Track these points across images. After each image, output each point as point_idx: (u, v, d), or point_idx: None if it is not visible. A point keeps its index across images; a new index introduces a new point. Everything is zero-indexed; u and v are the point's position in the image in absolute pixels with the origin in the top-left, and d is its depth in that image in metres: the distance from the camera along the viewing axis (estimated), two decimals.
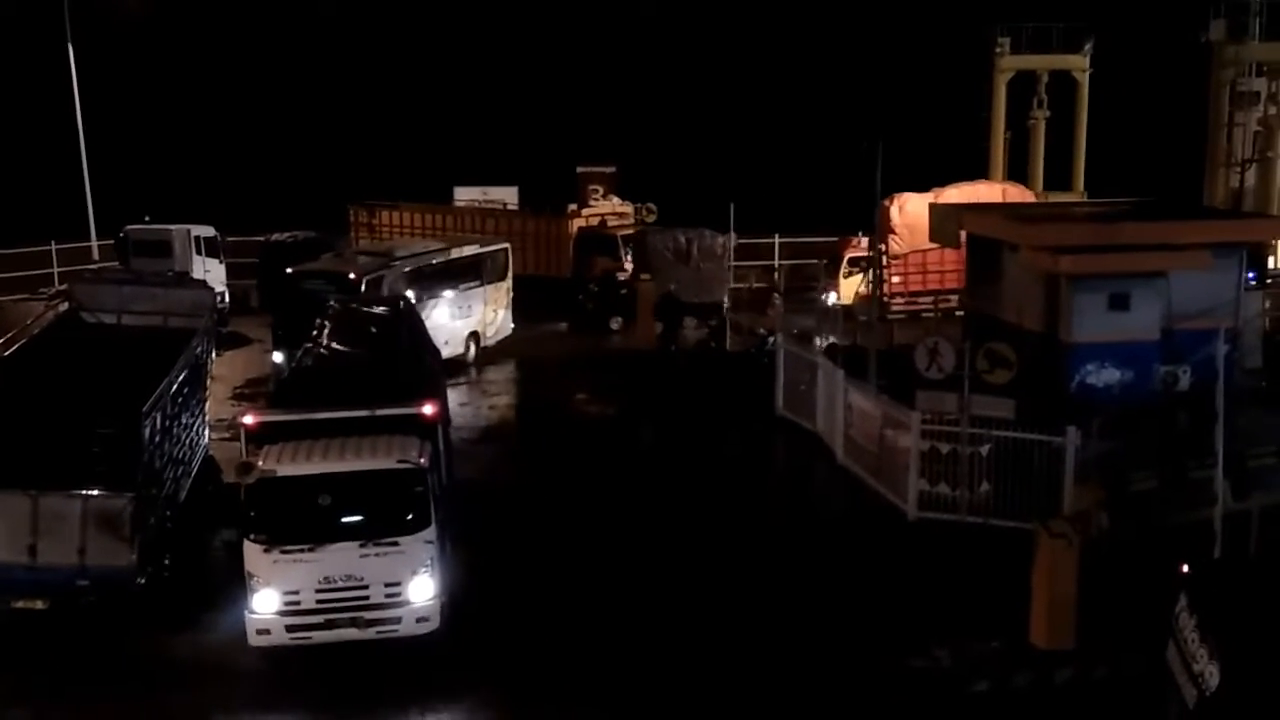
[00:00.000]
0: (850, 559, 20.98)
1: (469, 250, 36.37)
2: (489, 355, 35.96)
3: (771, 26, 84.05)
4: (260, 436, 17.90)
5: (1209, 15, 40.06)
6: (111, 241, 42.38)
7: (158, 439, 19.99)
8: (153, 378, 20.48)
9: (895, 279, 39.35)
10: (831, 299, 39.32)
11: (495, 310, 36.75)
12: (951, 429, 22.01)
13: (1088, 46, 46.49)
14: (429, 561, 17.34)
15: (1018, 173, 47.72)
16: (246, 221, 45.36)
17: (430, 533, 17.35)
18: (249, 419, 18.18)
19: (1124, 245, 25.52)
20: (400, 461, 17.31)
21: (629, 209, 46.05)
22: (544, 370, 35.39)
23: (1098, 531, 19.78)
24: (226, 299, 39.66)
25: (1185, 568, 13.39)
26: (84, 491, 18.34)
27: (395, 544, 17.17)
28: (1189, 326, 24.67)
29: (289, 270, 32.64)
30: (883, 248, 39.53)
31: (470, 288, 35.36)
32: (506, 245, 38.53)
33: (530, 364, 36.11)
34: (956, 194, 39.50)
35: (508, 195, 49.41)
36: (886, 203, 39.48)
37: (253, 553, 17.15)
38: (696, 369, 34.87)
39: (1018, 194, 40.30)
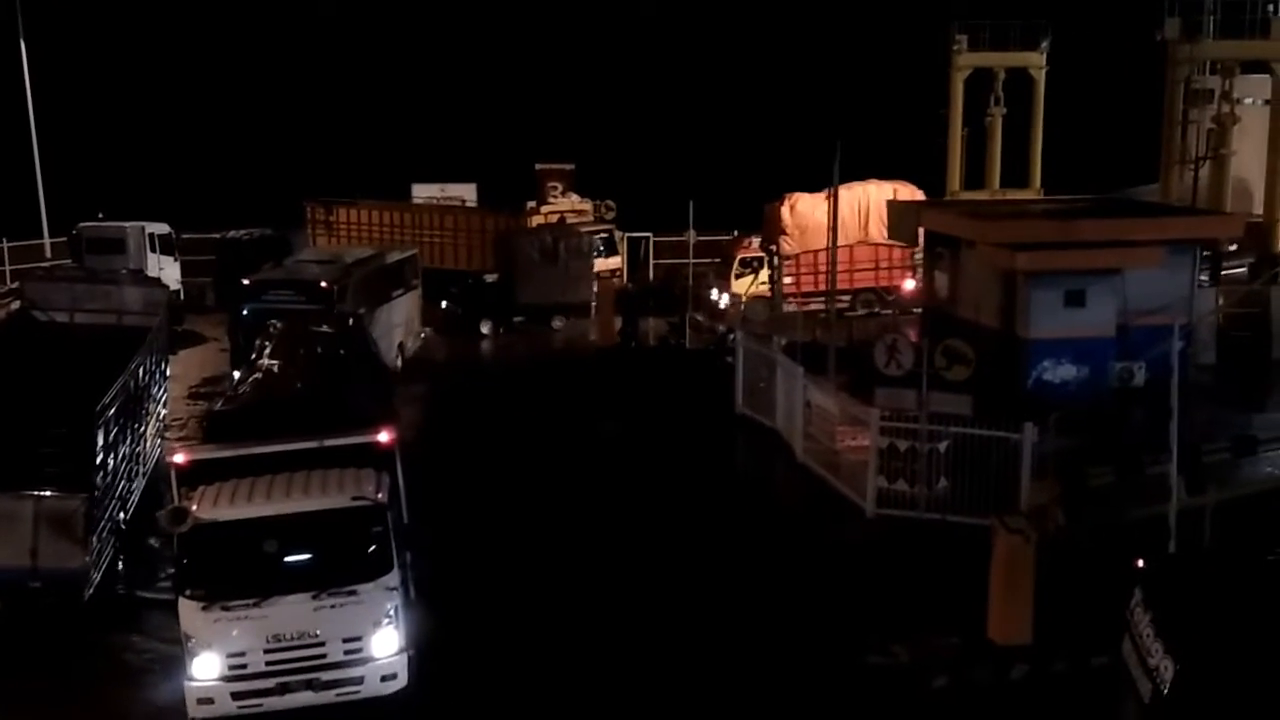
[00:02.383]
0: (809, 556, 20.99)
1: (396, 255, 35.02)
2: (422, 363, 34.89)
3: (731, 23, 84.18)
4: (194, 475, 15.88)
5: (1164, 14, 40.37)
6: (64, 239, 41.97)
7: (112, 439, 19.78)
8: (106, 377, 20.26)
9: (787, 279, 39.80)
10: (724, 300, 39.49)
11: (414, 318, 35.22)
12: (910, 426, 22.08)
13: (1044, 44, 46.82)
14: (392, 611, 15.55)
15: (975, 169, 47.98)
16: (202, 218, 45.00)
17: (393, 578, 15.55)
18: (180, 456, 16.13)
19: (1080, 242, 25.71)
20: (355, 499, 15.48)
21: (588, 206, 46.03)
22: (494, 374, 34.97)
23: (1054, 527, 19.89)
24: (182, 297, 39.35)
25: (1140, 563, 13.45)
26: (36, 492, 18.14)
27: (353, 593, 15.35)
28: (1144, 323, 24.87)
29: (246, 281, 30.08)
30: (773, 248, 39.95)
31: (399, 295, 33.65)
32: (415, 250, 37.82)
33: (477, 367, 35.63)
34: (846, 193, 39.75)
35: (466, 192, 49.29)
36: (778, 203, 39.91)
37: (189, 611, 15.19)
38: (656, 366, 34.82)
39: (908, 193, 40.64)
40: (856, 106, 59.86)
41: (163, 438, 25.04)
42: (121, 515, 20.41)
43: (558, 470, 25.61)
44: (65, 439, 18.53)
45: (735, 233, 43.55)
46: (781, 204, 40.02)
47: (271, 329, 22.30)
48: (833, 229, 30.14)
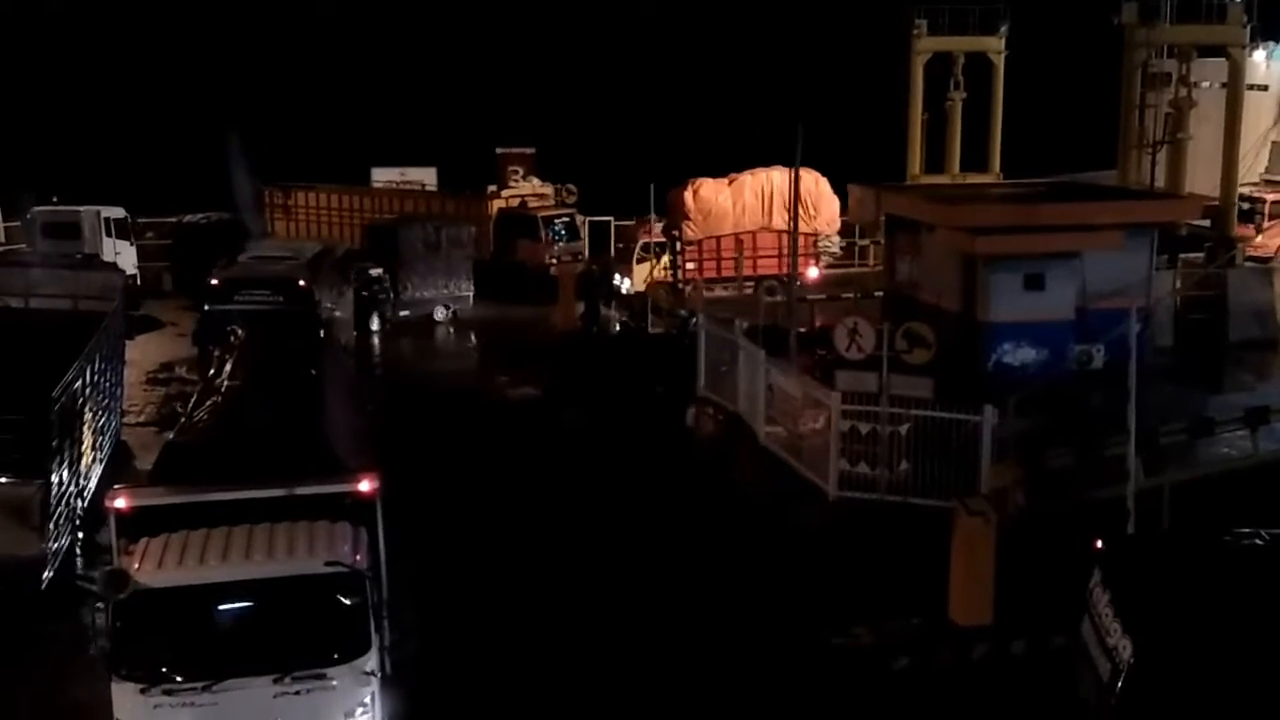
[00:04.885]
0: (771, 539, 21.04)
1: (341, 248, 34.61)
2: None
3: (692, 5, 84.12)
4: (137, 525, 13.29)
5: None
6: (18, 223, 41.47)
7: (67, 425, 19.56)
8: (62, 363, 20.02)
9: (690, 265, 39.74)
10: (625, 285, 39.39)
11: (351, 317, 34.15)
12: (871, 409, 22.14)
13: (1003, 29, 46.94)
14: (368, 699, 13.04)
15: (935, 154, 48.09)
16: (158, 202, 44.54)
17: (370, 659, 13.04)
18: (121, 500, 13.42)
19: (1039, 226, 25.83)
20: (329, 564, 12.92)
21: (549, 190, 45.93)
22: (452, 356, 34.77)
23: (1015, 509, 20.02)
24: (138, 281, 38.98)
25: (1099, 544, 13.56)
26: None
27: (322, 677, 12.80)
28: (1102, 306, 25.02)
29: (214, 281, 27.89)
30: (676, 234, 39.89)
31: (346, 290, 32.67)
32: (349, 244, 37.36)
33: (428, 357, 35.39)
34: (751, 179, 39.73)
35: (426, 176, 49.09)
36: (681, 188, 39.83)
37: (124, 696, 12.55)
38: (618, 351, 34.78)
39: (813, 179, 40.60)
40: (816, 90, 59.85)
41: (119, 424, 24.80)
42: (79, 503, 20.19)
43: (521, 460, 25.47)
44: (20, 425, 18.29)
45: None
46: (685, 189, 39.81)
47: (233, 337, 20.22)
48: (793, 214, 30.09)
